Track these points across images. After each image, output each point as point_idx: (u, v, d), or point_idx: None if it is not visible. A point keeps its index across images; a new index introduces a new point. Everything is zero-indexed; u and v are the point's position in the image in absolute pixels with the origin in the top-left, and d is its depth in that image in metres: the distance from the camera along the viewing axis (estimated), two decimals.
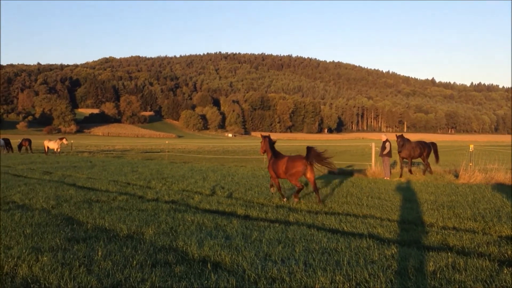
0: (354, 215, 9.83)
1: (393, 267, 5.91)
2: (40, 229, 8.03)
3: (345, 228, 8.37)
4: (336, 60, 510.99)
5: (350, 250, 6.72)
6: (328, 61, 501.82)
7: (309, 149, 11.68)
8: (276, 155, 12.58)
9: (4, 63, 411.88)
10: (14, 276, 5.49)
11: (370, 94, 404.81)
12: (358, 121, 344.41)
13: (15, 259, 6.06)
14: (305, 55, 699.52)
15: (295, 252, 6.53)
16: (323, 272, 5.62)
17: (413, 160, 20.01)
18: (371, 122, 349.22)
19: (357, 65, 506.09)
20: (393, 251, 6.67)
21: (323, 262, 6.02)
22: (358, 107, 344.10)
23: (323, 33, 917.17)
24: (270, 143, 12.81)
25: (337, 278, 5.44)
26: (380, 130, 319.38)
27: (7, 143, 43.03)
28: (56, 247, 6.73)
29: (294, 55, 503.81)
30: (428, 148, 19.40)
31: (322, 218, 9.24)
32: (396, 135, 19.51)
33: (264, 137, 12.99)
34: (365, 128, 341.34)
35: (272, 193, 12.98)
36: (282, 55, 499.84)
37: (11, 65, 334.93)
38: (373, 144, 23.67)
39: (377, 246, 6.93)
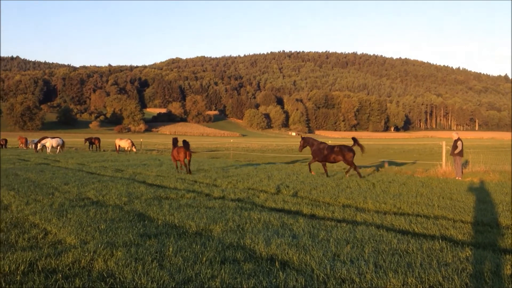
0: (425, 216, 9.52)
1: (468, 270, 5.68)
2: (114, 225, 8.33)
3: (416, 229, 8.12)
4: (403, 57, 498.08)
5: (422, 251, 6.52)
6: (394, 58, 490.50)
7: (185, 142, 20.08)
8: (174, 146, 21.04)
9: (77, 65, 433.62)
10: (90, 270, 5.71)
11: (439, 91, 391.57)
12: (426, 119, 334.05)
13: (91, 254, 6.29)
14: (370, 52, 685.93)
15: (364, 252, 6.41)
16: (394, 273, 5.48)
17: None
18: (441, 120, 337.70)
19: (425, 62, 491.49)
20: (467, 254, 6.42)
21: (394, 264, 5.88)
22: (427, 105, 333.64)
23: (389, 29, 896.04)
24: (174, 141, 21.48)
25: (409, 280, 5.29)
26: (450, 128, 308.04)
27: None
28: (130, 243, 6.96)
29: (359, 52, 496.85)
30: (349, 151, 18.48)
31: (391, 219, 9.02)
32: (301, 136, 21.96)
33: (173, 138, 21.98)
34: (434, 126, 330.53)
35: (178, 171, 20.19)
36: (346, 52, 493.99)
37: (84, 67, 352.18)
38: (444, 143, 22.87)
39: (450, 248, 6.68)
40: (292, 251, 6.41)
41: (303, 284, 5.18)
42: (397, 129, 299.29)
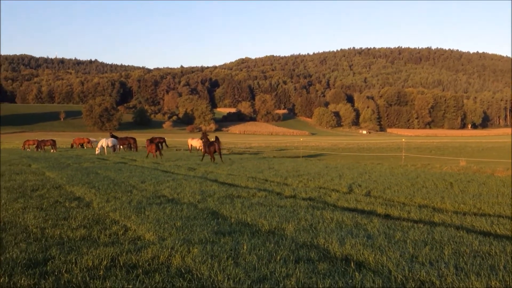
0: (507, 217, 9.04)
1: None
2: (189, 222, 8.54)
3: (498, 230, 7.73)
4: (480, 51, 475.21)
5: (506, 254, 6.20)
6: (471, 52, 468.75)
7: (156, 144, 32.70)
8: (150, 142, 32.71)
9: (151, 67, 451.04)
10: (169, 266, 5.88)
11: None
12: (506, 116, 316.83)
13: (169, 250, 6.47)
14: (445, 46, 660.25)
15: (443, 254, 6.18)
16: (476, 276, 5.24)
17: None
18: None
19: (505, 56, 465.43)
20: None
21: (475, 266, 5.63)
22: (506, 101, 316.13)
23: (465, 22, 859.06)
24: (151, 139, 33.13)
25: (493, 283, 5.05)
26: None
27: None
28: (205, 240, 7.10)
29: (433, 47, 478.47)
30: (210, 145, 27.07)
31: (471, 220, 8.63)
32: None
33: (151, 138, 33.41)
34: None
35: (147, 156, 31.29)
36: (420, 47, 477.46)
37: (158, 69, 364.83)
38: None
39: None
40: (367, 251, 6.28)
41: (380, 285, 5.07)
42: (474, 126, 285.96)
